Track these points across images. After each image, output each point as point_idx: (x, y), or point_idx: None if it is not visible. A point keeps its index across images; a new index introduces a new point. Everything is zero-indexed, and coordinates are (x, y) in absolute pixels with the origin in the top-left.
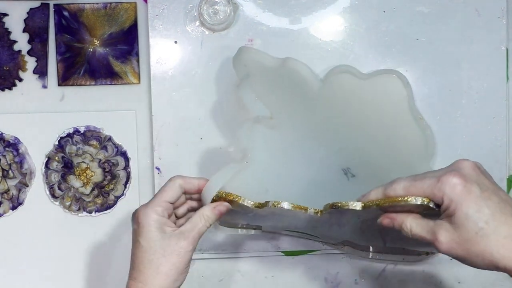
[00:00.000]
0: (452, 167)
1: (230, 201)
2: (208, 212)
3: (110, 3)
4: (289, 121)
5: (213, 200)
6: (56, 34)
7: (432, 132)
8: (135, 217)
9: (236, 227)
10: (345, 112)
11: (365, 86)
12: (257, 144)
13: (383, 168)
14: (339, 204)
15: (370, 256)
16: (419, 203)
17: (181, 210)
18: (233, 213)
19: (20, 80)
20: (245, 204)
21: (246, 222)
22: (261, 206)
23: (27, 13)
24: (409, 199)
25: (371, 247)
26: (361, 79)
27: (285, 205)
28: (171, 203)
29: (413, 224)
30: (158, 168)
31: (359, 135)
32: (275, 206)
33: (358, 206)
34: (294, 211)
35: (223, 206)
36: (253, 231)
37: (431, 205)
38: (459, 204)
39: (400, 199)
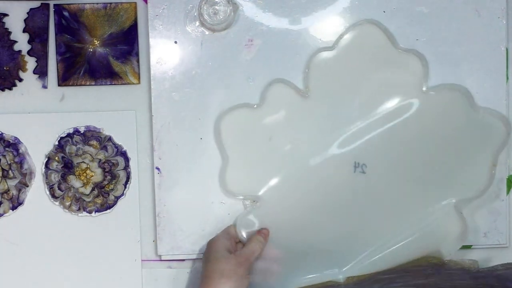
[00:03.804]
0: None
1: None
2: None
3: (110, 3)
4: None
5: None
6: (56, 34)
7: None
8: (208, 244)
9: None
10: (425, 124)
11: (472, 116)
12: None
13: (404, 190)
14: None
15: None
16: None
17: None
18: None
19: (20, 80)
20: None
21: None
22: None
23: (27, 13)
24: None
25: None
26: (472, 109)
27: None
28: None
29: None
30: (158, 168)
31: (410, 149)
32: None
33: None
34: None
35: (265, 229)
36: None
37: None
38: None
39: None
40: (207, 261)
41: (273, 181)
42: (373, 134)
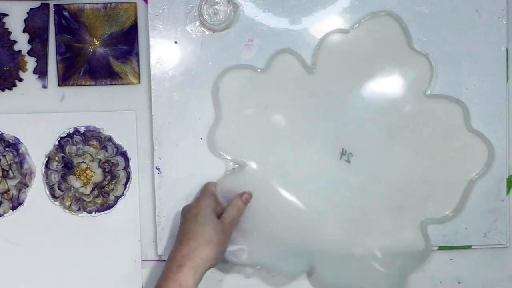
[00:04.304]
0: None
1: None
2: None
3: (110, 3)
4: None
5: None
6: (56, 34)
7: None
8: (197, 202)
9: None
10: (418, 129)
11: (463, 134)
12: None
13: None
14: None
15: None
16: None
17: None
18: None
19: (20, 80)
20: None
21: None
22: None
23: (27, 13)
24: None
25: None
26: (465, 126)
27: None
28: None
29: None
30: (158, 168)
31: (397, 150)
32: None
33: None
34: None
35: (247, 194)
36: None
37: None
38: None
39: None
40: (193, 221)
41: (261, 150)
42: (366, 126)
